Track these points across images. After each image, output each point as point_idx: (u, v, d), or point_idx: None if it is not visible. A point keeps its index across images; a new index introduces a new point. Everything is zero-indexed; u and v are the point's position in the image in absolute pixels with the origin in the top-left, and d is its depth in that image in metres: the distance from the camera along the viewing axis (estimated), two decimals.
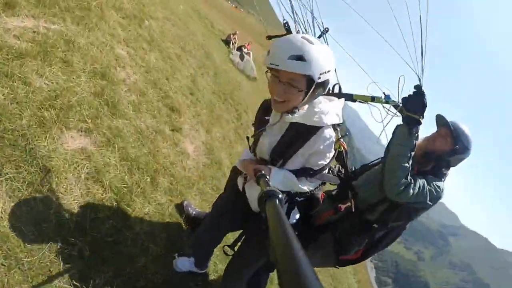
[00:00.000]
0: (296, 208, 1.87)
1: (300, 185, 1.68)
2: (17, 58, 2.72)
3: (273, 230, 0.69)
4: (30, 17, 3.09)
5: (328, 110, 1.59)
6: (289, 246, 0.58)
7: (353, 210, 2.19)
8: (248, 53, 16.08)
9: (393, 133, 2.08)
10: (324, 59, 1.40)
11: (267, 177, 1.45)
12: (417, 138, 2.01)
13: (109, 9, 4.27)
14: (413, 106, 1.95)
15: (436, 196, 2.10)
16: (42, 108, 2.61)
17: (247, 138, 1.99)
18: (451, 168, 2.30)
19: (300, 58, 1.33)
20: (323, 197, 2.03)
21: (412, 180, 2.04)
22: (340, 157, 1.85)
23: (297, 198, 1.84)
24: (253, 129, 1.89)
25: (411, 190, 2.00)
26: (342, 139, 1.69)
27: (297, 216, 1.93)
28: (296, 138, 1.61)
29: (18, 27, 2.92)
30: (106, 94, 3.28)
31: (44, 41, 3.04)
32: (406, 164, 2.00)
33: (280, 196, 0.94)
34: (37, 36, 3.02)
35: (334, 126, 1.64)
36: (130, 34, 4.40)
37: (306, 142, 1.59)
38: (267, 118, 1.72)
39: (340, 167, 2.25)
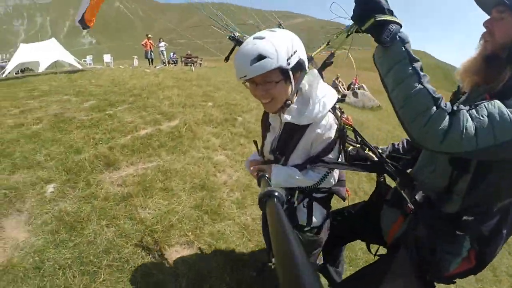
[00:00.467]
0: (318, 205, 1.78)
1: (305, 178, 1.63)
2: (122, 201, 3.12)
3: (272, 230, 0.70)
4: (129, 165, 3.67)
5: (319, 99, 1.52)
6: (288, 246, 0.57)
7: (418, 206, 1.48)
8: (360, 87, 14.65)
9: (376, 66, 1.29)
10: (283, 45, 1.36)
11: (267, 176, 1.45)
12: (405, 44, 1.17)
13: (200, 126, 4.69)
14: (362, 10, 1.20)
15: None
16: (145, 235, 2.79)
17: (255, 142, 2.00)
18: None
19: (260, 58, 1.32)
20: (349, 193, 1.91)
21: (455, 107, 1.13)
22: (343, 136, 1.58)
23: (314, 194, 1.76)
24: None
25: (461, 123, 1.09)
26: (345, 115, 1.61)
27: (323, 213, 1.83)
28: (293, 133, 1.60)
29: (120, 177, 3.46)
30: (205, 204, 3.27)
31: (144, 179, 3.44)
32: (418, 85, 1.13)
33: (279, 196, 0.91)
34: (137, 178, 3.47)
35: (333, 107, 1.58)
36: (225, 138, 4.55)
37: (303, 134, 1.57)
38: (269, 121, 1.77)
39: (369, 152, 1.69)
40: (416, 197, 1.48)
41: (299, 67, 1.45)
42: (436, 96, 1.12)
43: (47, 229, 2.69)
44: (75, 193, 3.14)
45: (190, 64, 19.63)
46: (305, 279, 0.46)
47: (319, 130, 1.53)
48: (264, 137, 1.82)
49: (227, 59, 2.05)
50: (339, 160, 1.62)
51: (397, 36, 1.15)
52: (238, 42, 2.01)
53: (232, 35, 2.01)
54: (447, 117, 1.10)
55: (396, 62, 1.16)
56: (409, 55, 1.15)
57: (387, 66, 1.20)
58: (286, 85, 1.45)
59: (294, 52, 1.39)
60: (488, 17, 1.29)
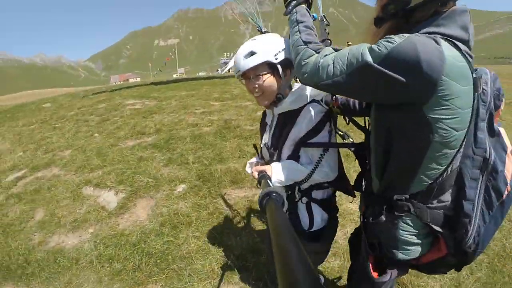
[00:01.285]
0: (319, 207, 1.80)
1: (304, 168, 1.67)
2: (222, 220, 3.52)
3: (272, 230, 0.71)
4: (251, 188, 4.09)
5: (310, 89, 1.68)
6: (287, 246, 0.59)
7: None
8: None
9: None
10: (272, 43, 1.58)
11: (268, 175, 1.56)
12: (298, 12, 1.53)
13: None
14: None
15: (373, 48, 1.04)
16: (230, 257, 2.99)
17: (254, 146, 2.16)
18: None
19: (251, 53, 1.55)
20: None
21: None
22: (330, 117, 1.65)
23: (313, 193, 1.78)
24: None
25: (318, 56, 1.24)
26: (334, 97, 1.67)
27: (323, 217, 1.83)
28: (285, 125, 1.70)
29: (238, 196, 3.92)
30: None
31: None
32: (297, 37, 1.41)
33: (278, 196, 0.99)
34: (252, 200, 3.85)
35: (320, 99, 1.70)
36: None
37: (293, 124, 1.66)
38: (266, 121, 1.90)
39: None
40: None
41: (288, 63, 1.59)
42: (309, 41, 1.34)
43: (159, 220, 3.37)
44: (193, 199, 3.75)
45: None
46: (305, 281, 0.46)
47: (306, 115, 1.63)
48: (261, 137, 1.95)
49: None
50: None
51: (294, 9, 1.53)
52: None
53: (259, 29, 2.50)
54: (316, 52, 1.27)
55: (291, 26, 1.49)
56: (297, 20, 1.47)
57: (290, 30, 1.50)
58: (274, 78, 1.60)
59: (282, 50, 1.57)
60: None
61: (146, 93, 11.21)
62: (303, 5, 1.58)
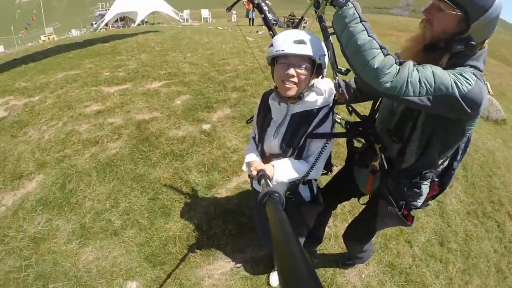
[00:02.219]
0: (314, 181, 2.11)
1: (304, 167, 1.85)
2: None
3: (272, 230, 0.73)
4: None
5: (324, 90, 1.84)
6: (288, 246, 0.62)
7: (386, 166, 1.88)
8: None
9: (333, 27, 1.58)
10: (319, 44, 1.69)
11: (267, 174, 1.63)
12: (356, 8, 1.47)
13: None
14: None
15: (458, 82, 1.35)
16: None
17: (253, 138, 2.13)
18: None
19: (302, 41, 1.62)
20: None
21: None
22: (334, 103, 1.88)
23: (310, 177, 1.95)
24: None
25: (407, 69, 1.38)
26: (340, 90, 1.81)
27: (316, 185, 2.16)
28: (300, 125, 1.83)
29: None
30: None
31: None
32: (368, 37, 1.40)
33: (278, 196, 1.05)
34: None
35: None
36: None
37: (310, 125, 1.81)
38: (270, 116, 1.95)
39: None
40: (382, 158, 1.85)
41: (321, 68, 1.76)
42: (383, 46, 1.40)
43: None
44: None
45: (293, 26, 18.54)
46: (306, 280, 0.49)
47: (329, 119, 1.82)
48: (263, 133, 1.98)
49: (229, 9, 2.37)
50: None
51: (350, 1, 1.46)
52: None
53: None
54: (396, 63, 1.38)
55: (350, 21, 1.42)
56: (360, 16, 1.43)
57: (342, 26, 1.46)
58: (310, 77, 1.73)
59: (324, 55, 1.71)
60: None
61: (10, 84, 8.27)
62: None
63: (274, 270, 2.94)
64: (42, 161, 4.48)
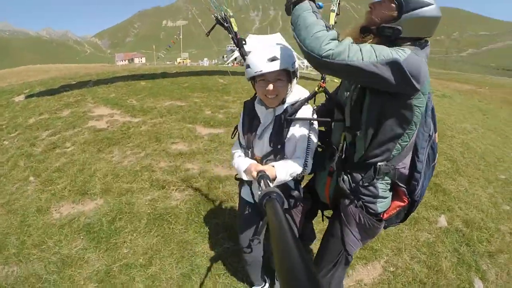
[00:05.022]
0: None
1: (299, 165, 2.07)
2: None
3: (272, 230, 0.78)
4: None
5: (299, 90, 2.19)
6: (287, 246, 0.65)
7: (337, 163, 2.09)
8: None
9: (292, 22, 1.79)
10: (289, 53, 1.97)
11: (267, 175, 1.71)
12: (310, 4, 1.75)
13: None
14: None
15: (395, 52, 1.60)
16: None
17: (240, 144, 2.33)
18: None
19: (274, 58, 1.88)
20: None
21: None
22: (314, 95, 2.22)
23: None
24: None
25: (347, 42, 1.63)
26: (323, 80, 2.17)
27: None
28: (283, 121, 2.08)
29: None
30: None
31: None
32: (316, 19, 1.68)
33: (278, 196, 1.11)
34: None
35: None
36: None
37: (292, 117, 2.07)
38: (257, 121, 2.22)
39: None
40: (336, 158, 2.05)
41: (296, 73, 2.07)
42: (329, 26, 1.67)
43: None
44: None
45: None
46: (305, 280, 0.52)
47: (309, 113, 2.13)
48: (251, 136, 2.23)
49: (207, 34, 3.08)
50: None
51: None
52: (219, 22, 2.94)
53: (218, 16, 2.95)
54: (337, 38, 1.64)
55: (304, 11, 1.68)
56: (312, 8, 1.70)
57: (297, 14, 1.70)
58: (288, 85, 2.06)
59: (295, 61, 2.01)
60: None
61: (123, 98, 9.51)
62: None
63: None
64: (109, 186, 4.70)
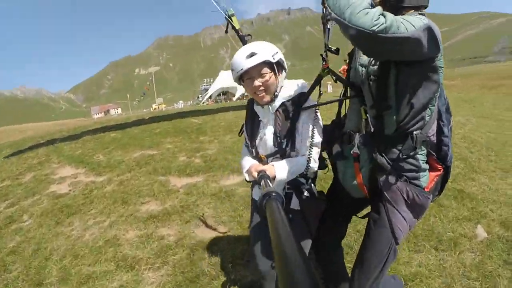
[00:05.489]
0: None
1: (302, 162, 2.06)
2: None
3: (272, 230, 0.76)
4: None
5: (297, 84, 2.18)
6: (287, 246, 0.64)
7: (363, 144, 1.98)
8: None
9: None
10: (267, 46, 1.99)
11: (267, 175, 1.73)
12: None
13: None
14: None
15: (423, 23, 1.62)
16: None
17: (247, 146, 2.30)
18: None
19: (252, 54, 1.90)
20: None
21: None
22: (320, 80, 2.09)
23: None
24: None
25: (388, 15, 1.57)
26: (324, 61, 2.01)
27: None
28: (286, 114, 2.08)
29: None
30: None
31: None
32: None
33: (278, 196, 1.10)
34: None
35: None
36: None
37: (295, 111, 2.07)
38: (258, 119, 2.21)
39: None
40: (356, 140, 1.97)
41: (282, 65, 2.05)
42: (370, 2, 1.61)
43: None
44: None
45: None
46: (305, 281, 0.51)
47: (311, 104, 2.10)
48: (254, 135, 2.21)
49: (226, 32, 3.32)
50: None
51: None
52: (228, 19, 3.41)
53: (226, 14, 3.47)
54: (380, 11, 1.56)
55: None
56: None
57: None
58: (274, 77, 2.01)
59: (276, 52, 1.99)
60: None
61: (89, 154, 8.67)
62: None
63: None
64: (66, 273, 3.67)
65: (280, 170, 1.93)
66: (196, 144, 8.23)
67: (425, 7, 1.85)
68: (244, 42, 3.04)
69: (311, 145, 2.03)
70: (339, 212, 2.36)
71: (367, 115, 1.93)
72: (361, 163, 2.00)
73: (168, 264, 3.59)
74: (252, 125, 2.23)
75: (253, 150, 2.21)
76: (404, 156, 1.84)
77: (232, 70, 1.98)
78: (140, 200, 5.19)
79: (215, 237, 4.02)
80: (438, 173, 1.98)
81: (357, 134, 1.97)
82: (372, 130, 1.90)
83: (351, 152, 2.01)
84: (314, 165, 2.10)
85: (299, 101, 2.07)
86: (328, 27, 1.95)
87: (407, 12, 1.79)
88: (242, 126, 2.42)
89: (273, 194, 1.10)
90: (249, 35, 3.50)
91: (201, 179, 5.89)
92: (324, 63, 1.99)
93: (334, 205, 2.31)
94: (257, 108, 2.21)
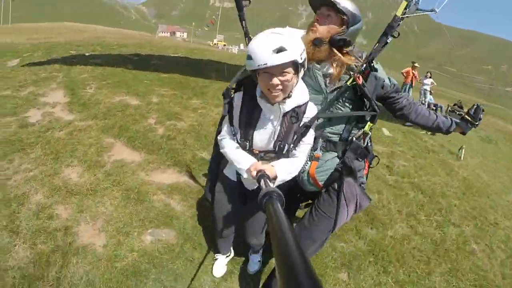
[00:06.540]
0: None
1: (299, 163, 2.15)
2: None
3: (272, 229, 0.79)
4: None
5: (302, 88, 2.07)
6: (287, 246, 0.65)
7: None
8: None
9: None
10: (296, 41, 1.79)
11: (267, 174, 1.73)
12: None
13: None
14: None
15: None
16: None
17: (238, 142, 2.20)
18: None
19: (281, 49, 1.68)
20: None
21: None
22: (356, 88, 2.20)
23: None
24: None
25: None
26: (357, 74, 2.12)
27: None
28: (292, 122, 2.04)
29: None
30: None
31: None
32: None
33: (278, 195, 1.14)
34: None
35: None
36: None
37: (299, 120, 2.04)
38: (258, 113, 2.08)
39: None
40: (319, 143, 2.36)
41: (304, 63, 1.87)
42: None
43: None
44: None
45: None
46: (305, 280, 0.52)
47: (310, 112, 2.11)
48: (250, 130, 2.11)
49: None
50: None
51: None
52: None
53: None
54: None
55: None
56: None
57: None
58: (295, 77, 1.87)
59: (303, 49, 1.82)
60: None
61: (85, 82, 8.81)
62: None
63: (216, 259, 3.35)
64: None
65: (281, 172, 1.95)
66: (179, 108, 7.81)
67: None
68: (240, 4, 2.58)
69: (308, 148, 2.17)
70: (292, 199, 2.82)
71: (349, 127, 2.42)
72: (320, 162, 2.40)
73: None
74: (250, 117, 2.12)
75: (247, 143, 2.14)
76: (359, 156, 2.43)
77: (250, 58, 1.78)
78: (68, 161, 5.06)
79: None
80: (366, 169, 2.62)
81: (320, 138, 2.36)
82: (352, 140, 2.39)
83: (314, 152, 2.37)
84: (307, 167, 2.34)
85: (304, 111, 2.09)
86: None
87: (347, 49, 2.20)
88: (224, 117, 2.30)
89: (275, 194, 1.14)
90: None
91: (138, 158, 5.44)
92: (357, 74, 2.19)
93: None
94: (262, 104, 2.06)
